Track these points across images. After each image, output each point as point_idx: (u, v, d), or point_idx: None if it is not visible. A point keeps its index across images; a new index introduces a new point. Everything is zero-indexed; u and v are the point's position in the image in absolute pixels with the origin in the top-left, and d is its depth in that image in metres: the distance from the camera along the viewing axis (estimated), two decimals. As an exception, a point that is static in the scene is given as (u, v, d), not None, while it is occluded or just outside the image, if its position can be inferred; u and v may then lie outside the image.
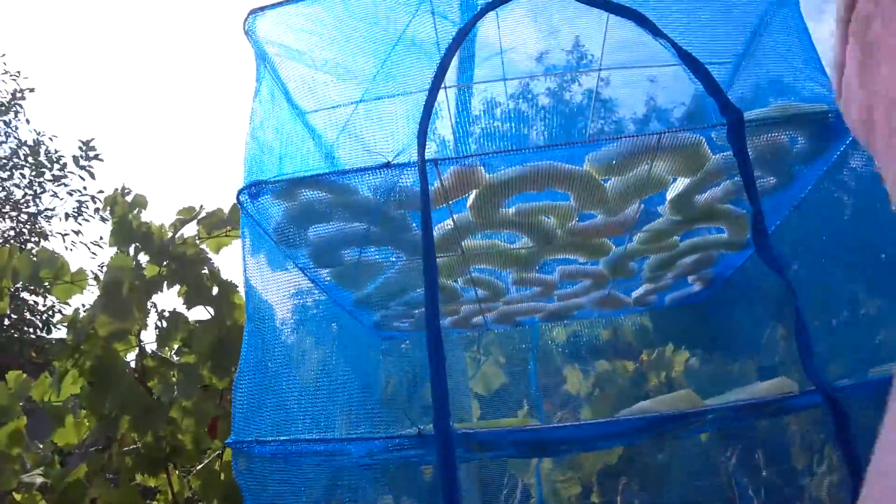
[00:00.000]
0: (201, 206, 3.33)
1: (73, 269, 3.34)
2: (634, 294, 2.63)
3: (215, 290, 3.25)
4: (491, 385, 3.20)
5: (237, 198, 1.71)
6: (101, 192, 12.32)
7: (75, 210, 11.97)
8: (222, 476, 3.22)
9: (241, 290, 3.27)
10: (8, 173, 11.90)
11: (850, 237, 2.17)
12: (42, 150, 11.87)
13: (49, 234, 11.71)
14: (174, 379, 3.08)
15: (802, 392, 1.46)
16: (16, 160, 11.94)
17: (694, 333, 3.03)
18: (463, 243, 2.01)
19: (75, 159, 10.71)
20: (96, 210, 12.05)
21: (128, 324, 3.07)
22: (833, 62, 0.33)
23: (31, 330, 10.28)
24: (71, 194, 12.09)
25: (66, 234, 11.81)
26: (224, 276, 3.30)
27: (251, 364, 1.74)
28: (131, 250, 3.26)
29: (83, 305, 3.29)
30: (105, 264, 3.23)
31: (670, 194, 1.95)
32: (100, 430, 3.08)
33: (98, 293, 3.24)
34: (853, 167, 1.93)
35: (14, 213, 11.73)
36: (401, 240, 1.92)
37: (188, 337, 3.15)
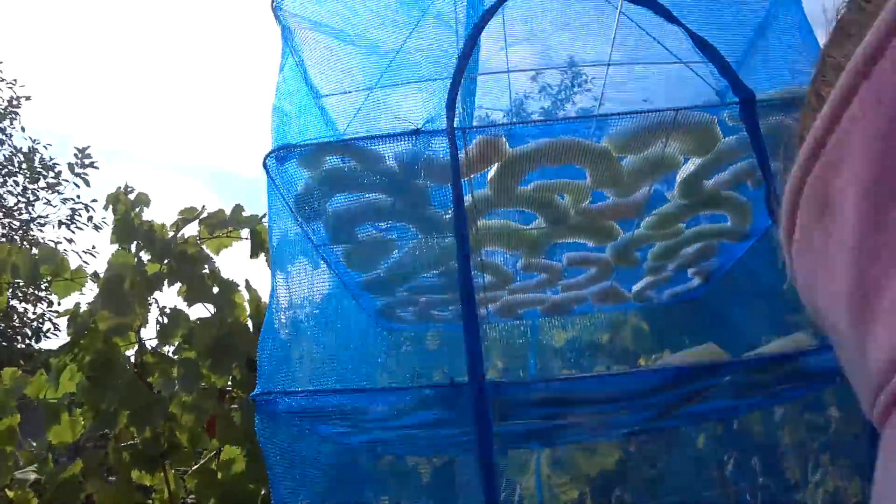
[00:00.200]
0: (203, 206, 3.36)
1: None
2: (635, 288, 2.69)
3: (216, 290, 3.27)
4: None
5: (263, 162, 1.75)
6: (94, 200, 12.43)
7: (68, 218, 11.96)
8: (219, 475, 3.20)
9: (242, 288, 3.31)
10: (1, 180, 11.88)
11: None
12: (37, 158, 11.90)
13: (41, 241, 11.62)
14: (175, 374, 3.07)
15: (819, 347, 1.52)
16: (10, 167, 11.94)
17: (691, 335, 3.09)
18: (478, 222, 2.06)
19: (70, 167, 10.70)
20: (89, 218, 12.05)
21: (129, 319, 3.08)
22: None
23: (20, 338, 10.15)
24: (64, 202, 12.12)
25: (58, 242, 11.72)
26: (224, 276, 3.32)
27: (277, 318, 1.76)
28: (132, 248, 3.27)
29: (77, 305, 3.26)
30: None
31: (680, 177, 2.03)
32: (98, 426, 3.07)
33: (97, 291, 3.24)
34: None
35: (7, 220, 11.68)
36: (418, 215, 1.96)
37: (188, 334, 3.15)
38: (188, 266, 3.23)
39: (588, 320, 3.05)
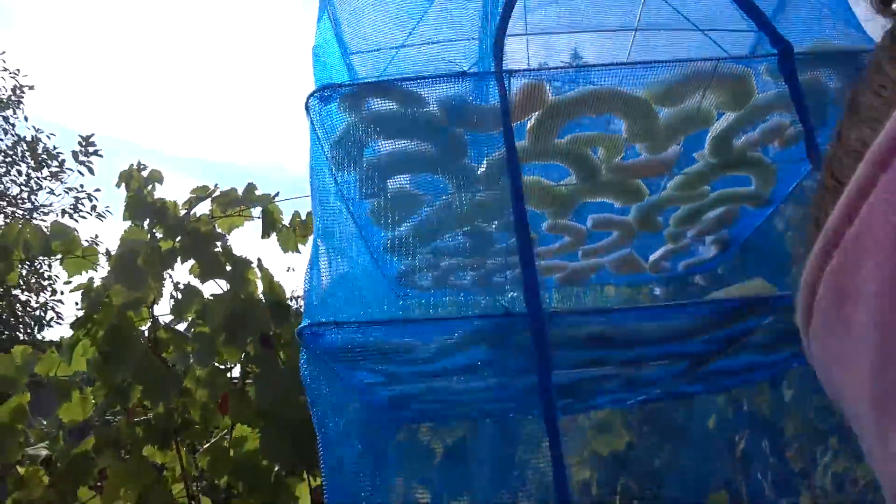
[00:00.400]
0: (216, 185, 3.36)
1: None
2: (652, 257, 2.73)
3: (228, 268, 3.26)
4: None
5: (305, 104, 1.76)
6: (97, 190, 12.42)
7: (72, 207, 11.91)
8: (231, 453, 3.19)
9: (255, 266, 3.30)
10: (5, 169, 11.84)
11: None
12: (40, 147, 11.87)
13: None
14: (190, 349, 3.07)
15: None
16: (13, 157, 11.90)
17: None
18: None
19: (74, 155, 10.66)
20: (93, 207, 12.02)
21: (143, 293, 3.07)
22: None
23: (22, 328, 10.05)
24: (68, 191, 12.09)
25: (61, 232, 11.58)
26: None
27: (325, 251, 1.77)
28: (145, 225, 3.26)
29: (91, 280, 3.25)
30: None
31: (711, 134, 2.07)
32: (111, 401, 3.05)
33: (109, 268, 3.24)
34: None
35: (10, 209, 11.60)
36: (452, 166, 1.98)
37: (202, 310, 3.15)
38: (201, 243, 3.23)
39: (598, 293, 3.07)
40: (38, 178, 12.04)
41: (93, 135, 11.02)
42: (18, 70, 12.34)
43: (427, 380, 1.96)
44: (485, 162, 1.97)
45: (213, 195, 3.38)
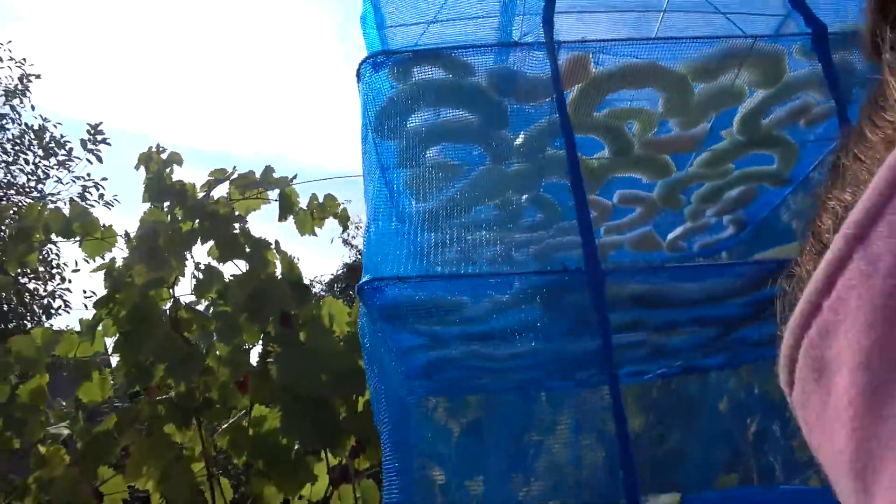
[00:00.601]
0: (234, 167, 3.40)
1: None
2: (670, 236, 2.80)
3: (247, 250, 3.30)
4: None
5: (358, 68, 1.82)
6: (104, 178, 12.42)
7: (79, 195, 11.87)
8: (250, 432, 3.23)
9: (273, 247, 3.34)
10: (12, 158, 11.80)
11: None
12: (47, 136, 11.85)
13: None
14: (213, 327, 3.10)
15: None
16: (20, 146, 11.88)
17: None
18: (546, 149, 2.15)
19: (83, 143, 10.61)
20: (100, 196, 11.98)
21: (165, 273, 3.10)
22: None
23: (29, 316, 9.99)
24: (75, 180, 12.06)
25: (69, 220, 11.55)
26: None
27: (383, 205, 1.81)
28: (164, 207, 3.29)
29: (112, 260, 3.28)
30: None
31: (741, 112, 2.14)
32: (133, 380, 3.07)
33: (128, 250, 3.27)
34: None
35: (18, 198, 11.56)
36: (491, 136, 2.04)
37: (223, 290, 3.18)
38: (220, 225, 3.27)
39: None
40: (45, 166, 12.04)
41: (101, 123, 11.02)
42: (25, 59, 12.34)
43: (469, 343, 2.02)
44: (522, 134, 2.03)
45: (232, 178, 3.41)
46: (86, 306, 10.02)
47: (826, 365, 0.27)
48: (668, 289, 1.69)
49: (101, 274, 3.23)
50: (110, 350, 3.23)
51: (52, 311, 10.39)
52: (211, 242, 3.27)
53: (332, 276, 17.19)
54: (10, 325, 9.37)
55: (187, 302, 3.25)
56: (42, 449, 3.13)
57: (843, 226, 0.26)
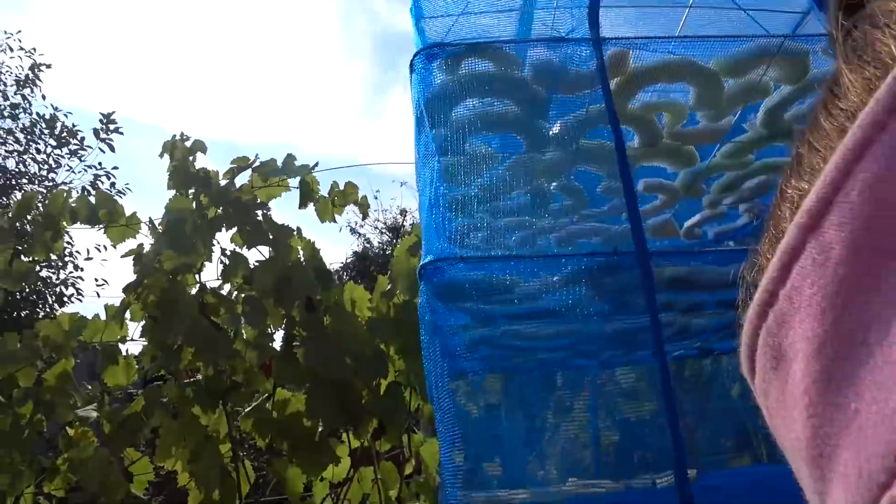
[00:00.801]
0: (256, 155, 3.47)
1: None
2: (687, 223, 2.91)
3: (270, 237, 3.38)
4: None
5: (412, 61, 1.90)
6: (115, 167, 12.50)
7: (91, 184, 11.91)
8: (274, 414, 3.31)
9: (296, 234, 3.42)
10: (24, 147, 11.82)
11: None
12: (59, 125, 11.89)
13: (65, 208, 11.50)
14: (241, 311, 3.17)
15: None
16: (31, 136, 11.90)
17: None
18: (580, 140, 2.24)
19: (96, 132, 10.64)
20: (112, 185, 12.02)
21: (193, 258, 3.17)
22: None
23: (41, 304, 10.02)
24: (87, 169, 12.10)
25: (81, 210, 11.55)
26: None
27: (438, 191, 1.90)
28: (189, 194, 3.36)
29: (140, 245, 3.34)
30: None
31: (765, 106, 2.25)
32: (161, 364, 3.15)
33: (152, 236, 3.33)
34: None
35: (30, 187, 11.58)
36: (530, 126, 2.13)
37: (249, 275, 3.26)
38: (244, 211, 3.34)
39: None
40: (57, 155, 12.09)
41: (113, 112, 11.06)
42: (35, 49, 12.34)
43: (513, 321, 2.12)
44: (558, 123, 2.12)
45: (254, 165, 3.48)
46: (98, 294, 10.06)
47: (783, 353, 0.28)
48: (701, 272, 1.79)
49: (118, 262, 3.32)
50: (137, 335, 3.30)
51: (65, 299, 10.43)
52: (234, 229, 3.35)
53: (342, 264, 17.35)
54: (23, 314, 9.40)
55: (213, 287, 3.33)
56: (70, 431, 3.20)
57: (796, 215, 0.26)
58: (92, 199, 3.37)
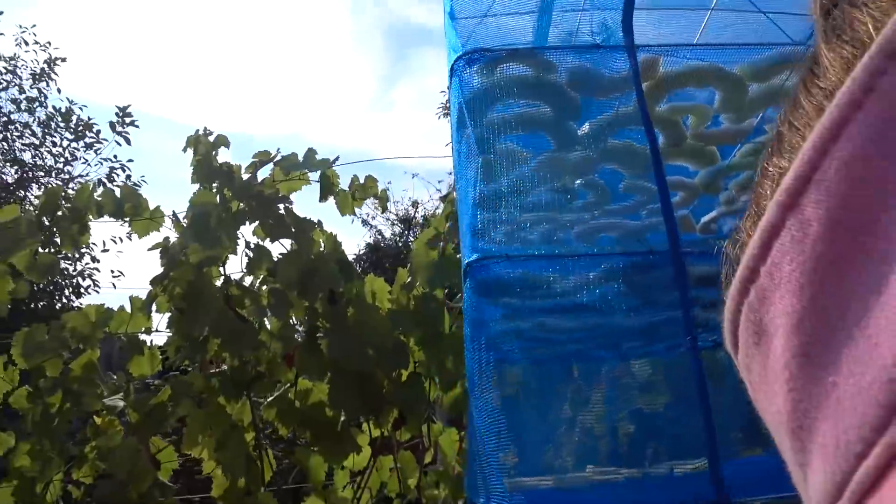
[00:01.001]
0: (278, 149, 3.53)
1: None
2: (703, 219, 2.99)
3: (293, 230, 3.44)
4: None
5: (453, 64, 1.98)
6: (130, 160, 12.62)
7: (106, 177, 12.00)
8: (297, 404, 3.39)
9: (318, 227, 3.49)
10: (40, 140, 11.91)
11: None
12: (74, 118, 11.96)
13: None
14: (266, 303, 3.25)
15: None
16: (48, 128, 11.99)
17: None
18: (608, 140, 2.32)
19: (112, 125, 10.71)
20: (128, 177, 12.11)
21: (218, 251, 3.24)
22: None
23: (58, 295, 10.10)
24: (102, 162, 12.19)
25: (97, 202, 11.61)
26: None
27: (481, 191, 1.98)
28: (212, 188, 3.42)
29: (167, 238, 3.41)
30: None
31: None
32: (186, 355, 3.22)
33: (176, 230, 3.40)
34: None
35: (46, 180, 11.68)
36: (560, 126, 2.21)
37: (273, 267, 3.33)
38: (267, 205, 3.40)
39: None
40: (73, 148, 12.17)
41: (129, 105, 11.19)
42: (49, 42, 12.41)
43: (543, 315, 2.20)
44: (587, 124, 2.20)
45: (275, 160, 3.54)
46: (114, 286, 10.14)
47: (764, 329, 0.28)
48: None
49: (134, 253, 3.38)
50: (162, 326, 3.37)
51: (82, 291, 10.50)
52: (257, 222, 3.42)
53: (355, 256, 17.47)
54: (41, 304, 9.47)
55: (237, 279, 3.40)
56: (97, 420, 3.27)
57: (776, 192, 0.26)
58: (117, 193, 3.44)
